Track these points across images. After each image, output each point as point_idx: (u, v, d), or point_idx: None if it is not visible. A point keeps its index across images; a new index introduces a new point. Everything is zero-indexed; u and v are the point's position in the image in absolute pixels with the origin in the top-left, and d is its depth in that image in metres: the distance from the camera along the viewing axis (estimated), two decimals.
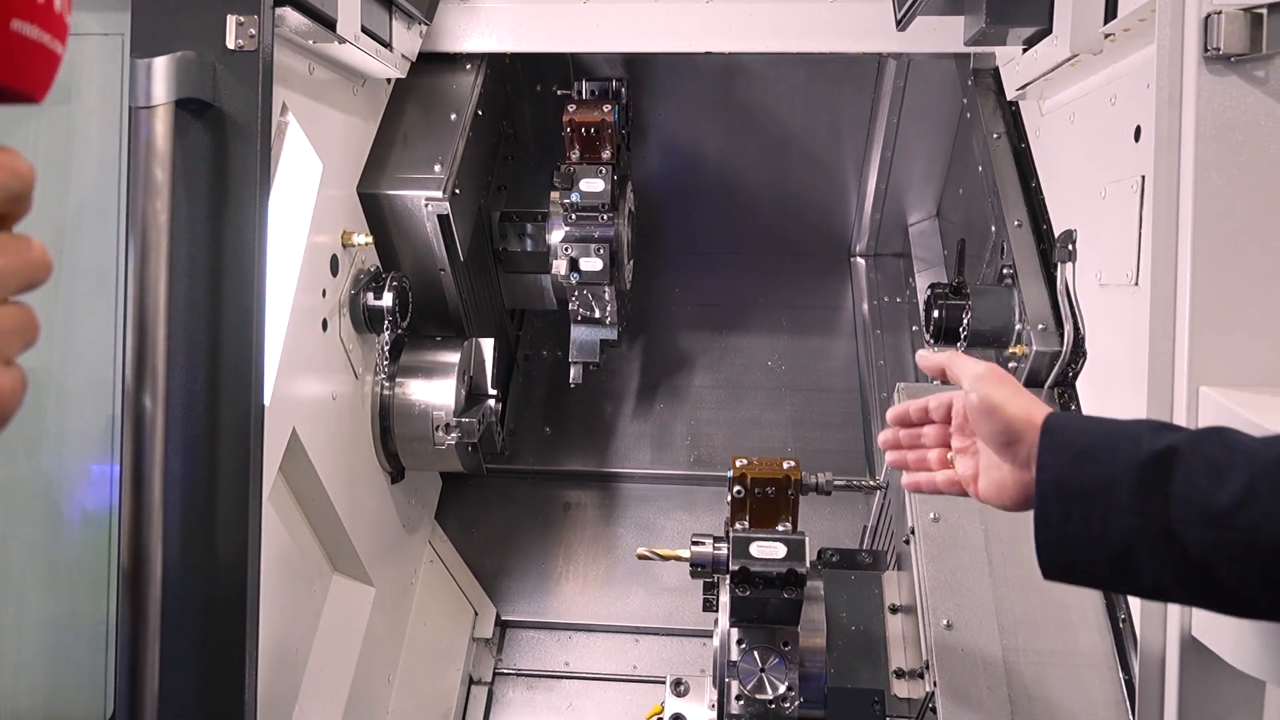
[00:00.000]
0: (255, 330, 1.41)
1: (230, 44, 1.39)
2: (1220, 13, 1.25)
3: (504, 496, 2.99)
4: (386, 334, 2.24)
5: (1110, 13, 1.62)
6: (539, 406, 3.16)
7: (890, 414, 1.28)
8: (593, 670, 2.71)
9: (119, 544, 1.36)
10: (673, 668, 2.13)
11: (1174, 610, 1.31)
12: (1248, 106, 1.27)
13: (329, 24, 1.71)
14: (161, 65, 1.31)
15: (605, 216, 2.57)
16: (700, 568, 1.80)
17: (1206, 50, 1.27)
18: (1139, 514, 0.92)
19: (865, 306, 3.33)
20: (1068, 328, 1.91)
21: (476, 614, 2.74)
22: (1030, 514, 1.01)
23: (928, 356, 1.23)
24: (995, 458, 1.11)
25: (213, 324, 1.40)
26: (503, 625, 2.77)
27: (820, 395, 3.16)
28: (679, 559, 1.81)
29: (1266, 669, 1.17)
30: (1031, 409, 1.06)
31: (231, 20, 1.39)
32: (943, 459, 1.23)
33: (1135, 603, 1.51)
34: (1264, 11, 1.23)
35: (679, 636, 2.72)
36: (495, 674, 2.71)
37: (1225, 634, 1.23)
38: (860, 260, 3.43)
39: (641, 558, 1.83)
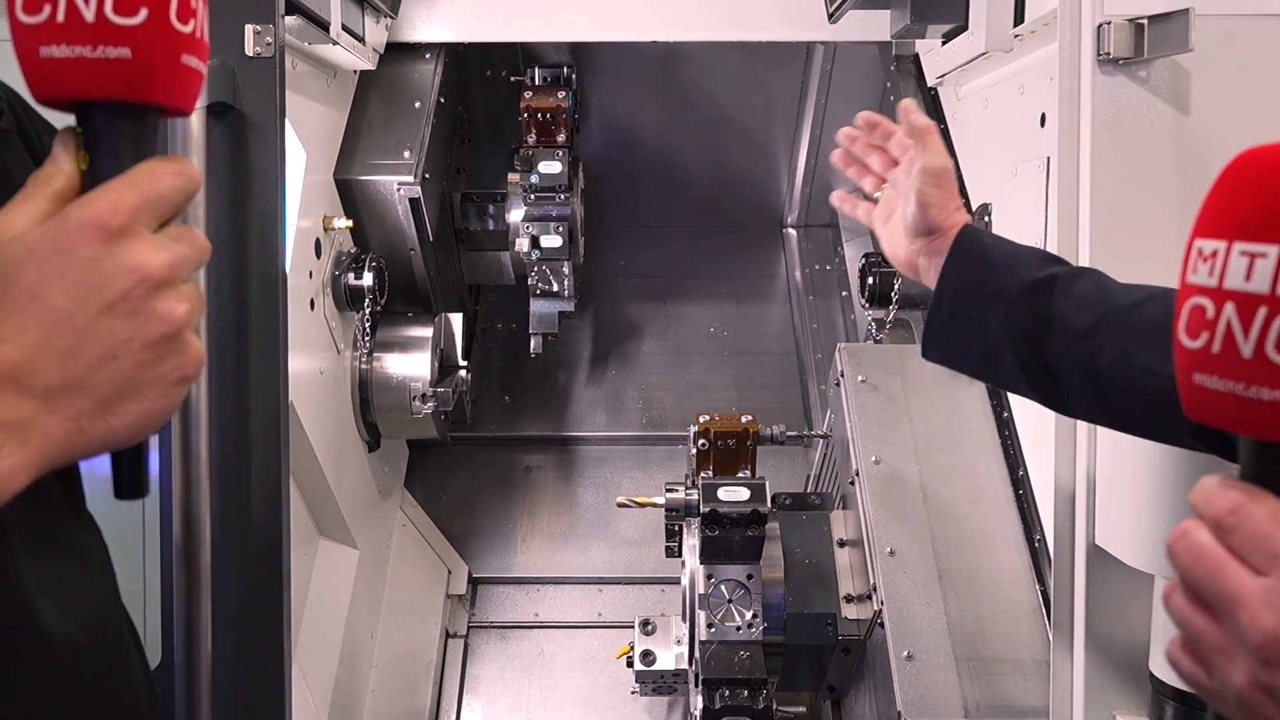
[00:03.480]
0: (280, 311, 1.56)
1: (249, 51, 1.53)
2: (1110, 22, 1.49)
3: (468, 462, 3.15)
4: (366, 311, 2.39)
5: (1019, 17, 1.86)
6: (498, 376, 3.33)
7: (861, 118, 1.36)
8: (561, 619, 2.89)
9: (163, 511, 1.51)
10: (635, 613, 2.33)
11: (1080, 527, 1.57)
12: (1133, 102, 1.52)
13: (324, 26, 1.85)
14: None
15: (562, 196, 2.75)
16: (675, 511, 2.01)
17: (1099, 54, 1.51)
18: (1014, 324, 1.14)
19: (798, 274, 3.57)
20: None
21: (450, 573, 2.91)
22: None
23: (913, 112, 1.25)
24: (904, 232, 1.25)
25: (240, 304, 1.55)
26: (474, 582, 2.94)
27: (759, 358, 3.39)
28: (655, 505, 2.02)
29: (1155, 564, 1.44)
30: (951, 217, 1.22)
31: (249, 30, 1.53)
32: (876, 186, 1.35)
33: (1048, 524, 1.77)
34: (1145, 23, 1.47)
35: (639, 585, 2.92)
36: (470, 627, 2.88)
37: (1122, 539, 1.49)
38: (792, 231, 3.67)
39: (621, 505, 2.04)
